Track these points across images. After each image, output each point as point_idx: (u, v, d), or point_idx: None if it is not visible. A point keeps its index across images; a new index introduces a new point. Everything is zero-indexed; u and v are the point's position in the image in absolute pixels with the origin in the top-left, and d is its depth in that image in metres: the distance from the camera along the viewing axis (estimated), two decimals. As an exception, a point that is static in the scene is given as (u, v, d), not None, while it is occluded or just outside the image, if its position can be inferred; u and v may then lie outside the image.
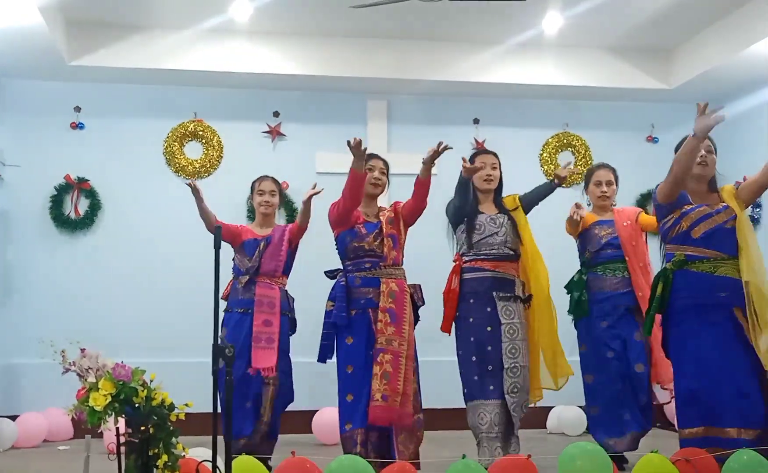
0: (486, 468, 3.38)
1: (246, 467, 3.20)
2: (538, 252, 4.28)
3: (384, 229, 4.03)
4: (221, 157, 6.14)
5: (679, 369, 3.59)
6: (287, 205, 6.10)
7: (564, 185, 4.44)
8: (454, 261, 4.26)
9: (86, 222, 5.90)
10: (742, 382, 3.40)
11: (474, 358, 4.06)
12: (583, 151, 6.50)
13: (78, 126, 5.96)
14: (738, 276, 3.50)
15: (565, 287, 4.53)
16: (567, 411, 5.76)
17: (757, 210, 5.91)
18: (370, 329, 3.91)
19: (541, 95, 6.37)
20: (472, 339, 4.07)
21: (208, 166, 6.11)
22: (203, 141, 6.13)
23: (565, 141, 6.50)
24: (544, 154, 6.47)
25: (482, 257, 4.11)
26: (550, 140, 6.50)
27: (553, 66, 6.10)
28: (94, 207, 5.92)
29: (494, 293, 4.08)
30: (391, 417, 3.77)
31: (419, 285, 4.15)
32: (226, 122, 6.15)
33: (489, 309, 4.06)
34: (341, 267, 4.12)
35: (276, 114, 6.20)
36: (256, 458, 3.36)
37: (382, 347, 3.84)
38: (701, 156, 3.70)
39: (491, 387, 4.00)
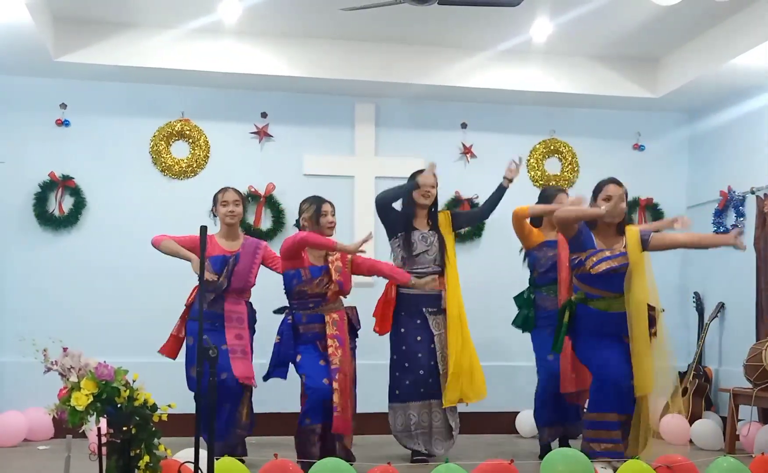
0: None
1: (228, 468, 3.19)
2: (457, 273, 4.79)
3: (332, 276, 4.38)
4: (208, 157, 6.11)
5: (591, 370, 4.27)
6: (273, 206, 6.09)
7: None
8: None
9: (70, 220, 5.86)
10: (625, 380, 4.11)
11: (407, 365, 4.61)
12: (570, 158, 6.53)
13: (63, 123, 5.92)
14: (625, 310, 4.15)
15: (515, 299, 4.99)
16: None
17: (741, 219, 5.96)
18: (317, 350, 4.34)
19: (528, 101, 6.39)
20: (404, 348, 4.63)
21: (194, 165, 6.08)
22: (190, 141, 6.10)
23: (552, 147, 6.54)
24: (532, 160, 6.50)
25: (414, 274, 4.60)
26: (537, 146, 6.53)
27: (540, 73, 6.13)
28: (79, 205, 5.88)
29: (423, 308, 4.65)
30: (346, 425, 4.29)
31: (355, 308, 4.57)
32: (214, 122, 6.13)
33: (419, 321, 4.64)
34: (286, 305, 4.48)
35: (264, 115, 6.19)
36: (238, 459, 3.35)
37: (337, 367, 4.27)
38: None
39: (422, 390, 4.58)
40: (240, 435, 4.55)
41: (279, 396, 4.98)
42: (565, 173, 6.49)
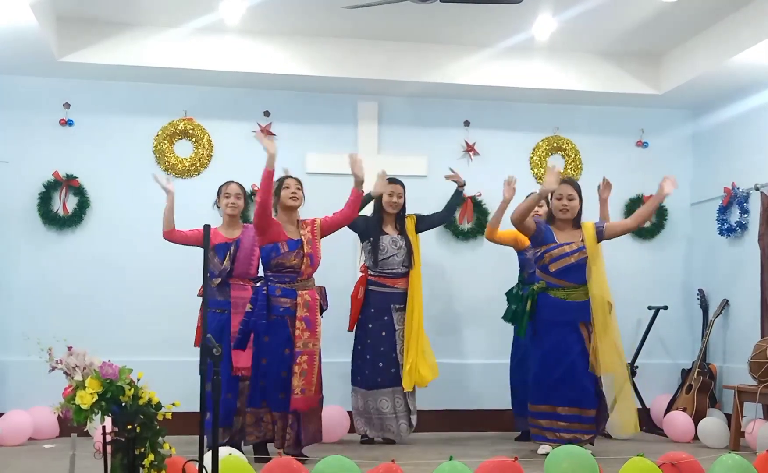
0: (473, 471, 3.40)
1: (232, 466, 3.19)
2: (420, 274, 5.29)
3: (305, 249, 4.56)
4: (211, 155, 6.12)
5: (538, 362, 4.70)
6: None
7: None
8: (361, 271, 5.36)
9: (74, 219, 5.87)
10: (581, 375, 4.59)
11: (368, 356, 5.17)
12: (573, 155, 6.52)
13: (67, 123, 5.93)
14: (584, 299, 4.65)
15: (506, 294, 5.28)
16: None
17: (745, 215, 5.95)
18: (286, 332, 4.47)
19: (531, 98, 6.38)
20: (369, 341, 5.19)
21: (198, 164, 6.09)
22: (193, 139, 6.11)
23: (555, 144, 6.53)
24: (534, 158, 6.49)
25: (384, 275, 5.22)
26: (540, 143, 6.51)
27: (543, 70, 6.11)
28: (83, 204, 5.89)
29: (392, 305, 5.21)
30: (308, 404, 4.47)
31: (324, 289, 4.71)
32: (217, 121, 6.13)
33: (386, 318, 5.20)
34: (262, 276, 4.67)
35: (267, 113, 6.19)
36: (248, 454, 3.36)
37: (299, 350, 4.46)
38: (563, 204, 4.74)
39: (380, 380, 5.14)
40: (238, 421, 4.67)
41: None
42: (569, 170, 6.47)
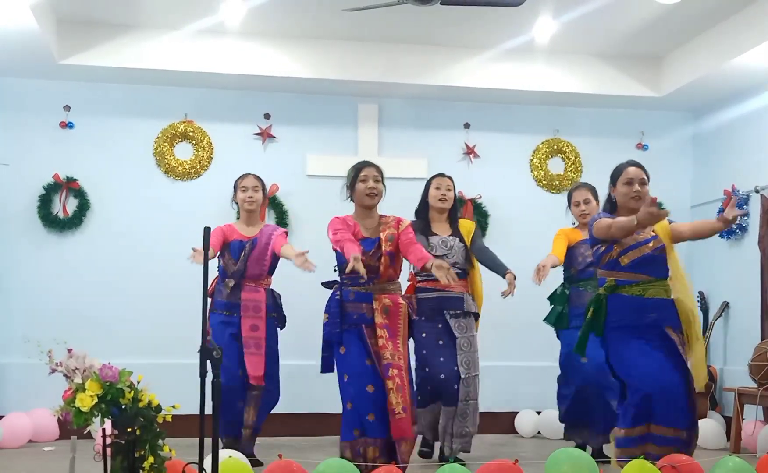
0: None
1: (232, 468, 3.19)
2: (480, 274, 4.67)
3: (383, 247, 3.96)
4: (211, 158, 6.12)
5: (627, 380, 3.72)
6: (276, 207, 6.09)
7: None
8: (409, 280, 4.64)
9: (74, 222, 5.87)
10: (676, 389, 3.61)
11: (427, 370, 4.42)
12: (573, 157, 6.52)
13: (67, 125, 5.93)
14: (666, 296, 3.73)
15: (549, 298, 4.85)
16: (545, 415, 5.85)
17: (745, 218, 5.95)
18: (361, 341, 3.88)
19: (531, 101, 6.39)
20: (424, 352, 4.45)
21: (198, 167, 6.09)
22: (193, 142, 6.11)
23: (555, 147, 6.53)
24: (535, 160, 6.49)
25: (434, 278, 4.02)
26: (540, 146, 6.51)
27: (543, 72, 6.12)
28: (83, 207, 5.89)
29: (444, 311, 4.48)
30: (410, 427, 3.81)
31: (414, 297, 4.29)
32: (217, 123, 6.13)
33: (440, 325, 4.47)
34: (337, 279, 4.09)
35: (267, 116, 6.19)
36: (246, 457, 3.35)
37: (389, 362, 3.81)
38: (635, 191, 3.81)
39: (441, 395, 4.40)
40: (245, 434, 4.51)
41: (282, 396, 4.97)
42: (569, 173, 6.48)
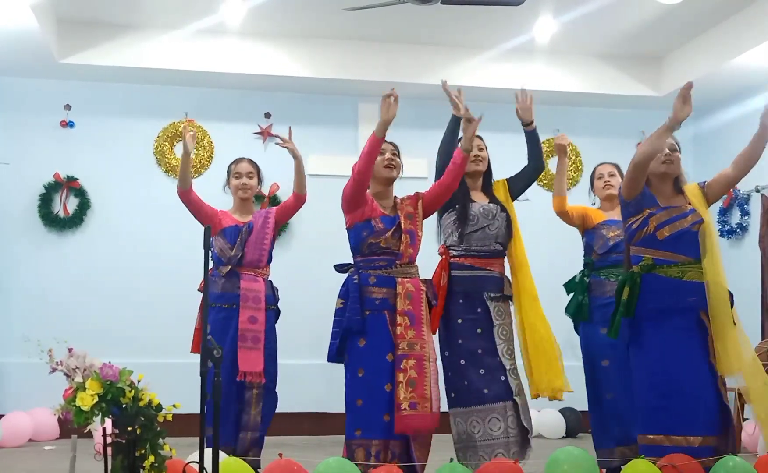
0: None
1: (233, 469, 3.19)
2: (524, 250, 4.07)
3: (403, 225, 3.66)
4: (212, 157, 6.12)
5: (644, 376, 3.44)
6: (276, 204, 6.07)
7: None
8: (440, 253, 3.97)
9: (75, 221, 5.88)
10: (703, 391, 3.34)
11: (463, 362, 3.77)
12: (573, 157, 6.53)
13: (68, 124, 5.94)
14: (703, 280, 3.41)
15: (565, 286, 4.26)
16: (545, 415, 5.84)
17: (746, 217, 5.95)
18: (386, 332, 3.54)
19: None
20: (460, 341, 3.79)
21: (198, 166, 6.10)
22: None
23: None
24: (535, 160, 6.49)
25: (473, 253, 3.81)
26: (540, 145, 6.51)
27: (544, 71, 6.12)
28: (83, 206, 5.89)
29: (485, 293, 3.81)
30: (422, 424, 3.48)
31: (431, 282, 3.78)
32: (217, 123, 6.14)
33: (480, 311, 3.80)
34: (351, 262, 3.73)
35: (267, 115, 6.20)
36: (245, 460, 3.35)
37: (404, 353, 3.48)
38: (666, 154, 3.56)
39: (486, 391, 3.71)
40: (246, 438, 4.12)
41: (282, 395, 4.97)
42: (569, 172, 6.48)
